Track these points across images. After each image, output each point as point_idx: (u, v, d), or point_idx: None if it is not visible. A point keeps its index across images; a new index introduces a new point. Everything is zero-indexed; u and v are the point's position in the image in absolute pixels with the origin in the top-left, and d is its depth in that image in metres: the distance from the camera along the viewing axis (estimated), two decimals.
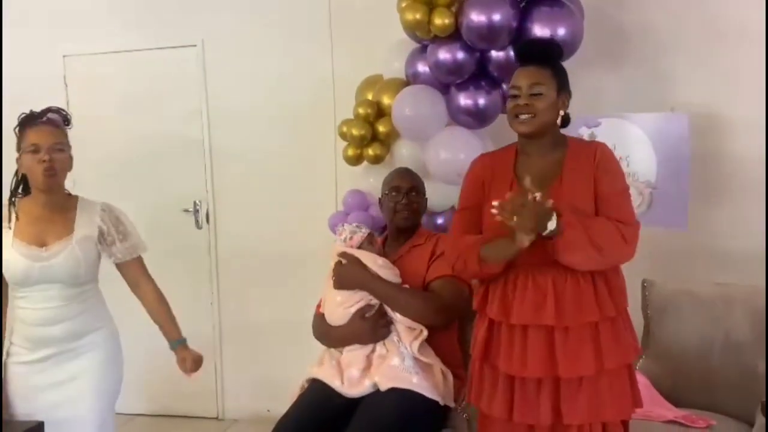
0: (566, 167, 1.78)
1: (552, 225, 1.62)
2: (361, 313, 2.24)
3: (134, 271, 2.24)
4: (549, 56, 1.80)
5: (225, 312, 3.72)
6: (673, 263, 2.78)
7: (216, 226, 3.68)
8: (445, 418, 2.27)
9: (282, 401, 2.31)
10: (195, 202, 3.68)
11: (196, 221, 3.69)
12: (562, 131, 1.87)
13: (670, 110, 2.69)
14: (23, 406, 2.08)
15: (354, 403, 2.18)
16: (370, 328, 2.23)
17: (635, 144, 2.64)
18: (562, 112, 1.79)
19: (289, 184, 3.51)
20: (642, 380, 2.33)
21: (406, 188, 2.40)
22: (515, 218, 1.59)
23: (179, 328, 2.26)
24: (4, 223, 2.09)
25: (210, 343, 3.73)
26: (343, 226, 2.41)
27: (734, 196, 2.79)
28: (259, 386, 3.61)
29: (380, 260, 2.28)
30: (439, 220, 2.88)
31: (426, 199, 2.50)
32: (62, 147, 2.06)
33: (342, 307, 2.26)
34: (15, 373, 2.09)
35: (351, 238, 2.32)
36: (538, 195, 1.59)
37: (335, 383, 2.22)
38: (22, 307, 2.09)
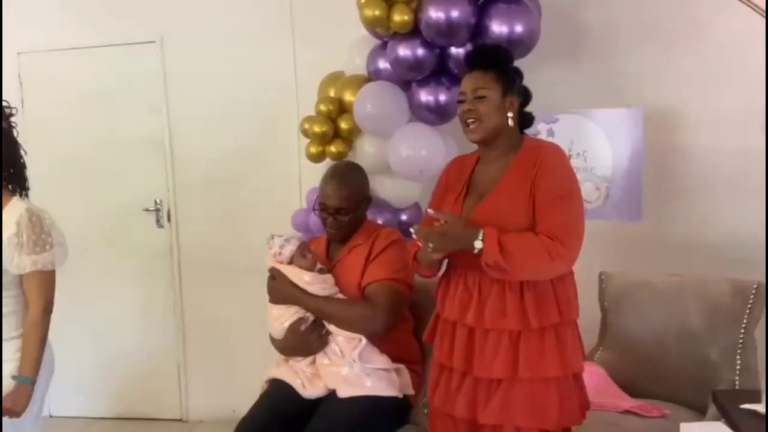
0: (507, 175, 1.81)
1: (479, 244, 1.68)
2: (294, 328, 2.22)
3: (28, 286, 2.01)
4: (492, 61, 1.85)
5: (188, 312, 3.68)
6: (629, 255, 2.84)
7: (178, 225, 3.64)
8: (408, 411, 2.29)
9: (247, 402, 2.29)
10: (156, 201, 3.64)
11: (158, 220, 3.64)
12: (528, 132, 1.91)
13: (626, 106, 2.75)
14: None
15: (314, 402, 2.18)
16: (303, 342, 2.22)
17: (592, 139, 2.69)
18: (510, 114, 1.81)
19: (253, 182, 3.49)
20: (598, 371, 2.39)
21: (333, 208, 2.30)
22: (430, 245, 1.71)
23: (35, 369, 2.00)
24: None
25: (173, 344, 3.69)
26: (273, 239, 2.31)
27: (688, 189, 2.85)
28: (223, 387, 3.58)
29: (307, 276, 2.21)
30: (404, 216, 2.89)
31: (365, 204, 2.39)
32: None
33: (278, 321, 2.24)
34: None
35: (281, 253, 2.26)
36: (442, 219, 1.72)
37: (296, 382, 2.22)
38: None
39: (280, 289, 2.24)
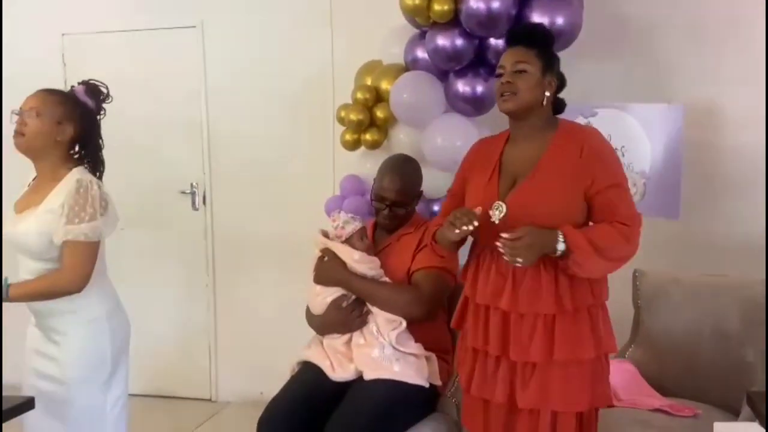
0: (545, 158, 1.78)
1: (561, 246, 1.67)
2: (336, 304, 2.25)
3: (63, 258, 1.95)
4: (535, 38, 1.82)
5: (220, 294, 3.73)
6: (665, 253, 2.80)
7: (213, 208, 3.69)
8: (436, 400, 2.30)
9: (275, 384, 2.32)
10: (192, 184, 3.69)
11: (193, 203, 3.70)
12: (560, 116, 1.88)
13: (667, 102, 2.70)
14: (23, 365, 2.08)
15: (343, 386, 2.20)
16: (344, 318, 2.24)
17: (631, 134, 2.65)
18: (547, 94, 1.79)
19: (287, 168, 3.52)
20: (630, 368, 2.38)
21: (390, 201, 2.34)
22: (518, 259, 1.66)
23: (18, 297, 1.94)
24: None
25: (204, 326, 3.75)
26: (339, 212, 2.37)
27: (727, 187, 2.80)
28: (252, 369, 3.63)
29: (356, 254, 2.24)
30: (435, 207, 2.89)
31: (417, 198, 2.44)
32: (39, 112, 1.97)
33: (320, 297, 2.27)
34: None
35: (343, 228, 2.29)
36: (506, 235, 1.67)
37: (325, 364, 2.24)
38: None
39: (330, 271, 2.27)
